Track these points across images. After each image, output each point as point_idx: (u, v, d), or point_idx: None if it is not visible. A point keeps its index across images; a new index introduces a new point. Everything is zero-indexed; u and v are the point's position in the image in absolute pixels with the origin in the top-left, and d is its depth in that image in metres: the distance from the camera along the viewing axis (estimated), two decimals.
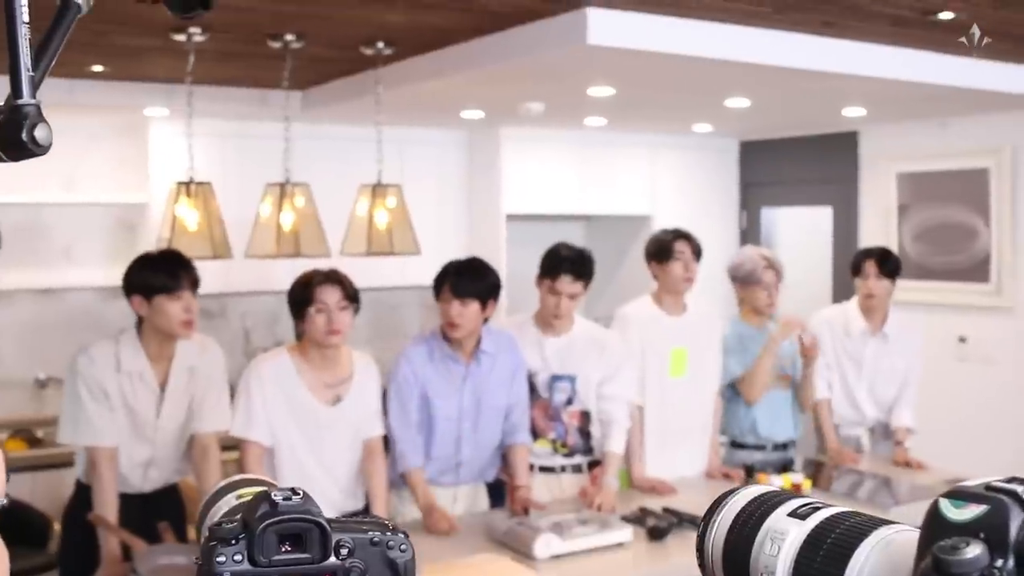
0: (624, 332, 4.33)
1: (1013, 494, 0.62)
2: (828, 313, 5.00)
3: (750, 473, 3.98)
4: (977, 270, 5.72)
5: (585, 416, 4.16)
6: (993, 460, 5.19)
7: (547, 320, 4.11)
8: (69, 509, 3.67)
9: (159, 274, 3.46)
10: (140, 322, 3.53)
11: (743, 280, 4.57)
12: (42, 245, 5.34)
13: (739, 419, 4.61)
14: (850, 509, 0.76)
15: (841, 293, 6.00)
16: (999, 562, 0.60)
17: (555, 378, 4.09)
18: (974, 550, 0.60)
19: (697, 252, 4.36)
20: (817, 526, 0.74)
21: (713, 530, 0.81)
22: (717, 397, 4.53)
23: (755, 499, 0.81)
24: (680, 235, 4.36)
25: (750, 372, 4.50)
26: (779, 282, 4.55)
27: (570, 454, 4.14)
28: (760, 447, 4.60)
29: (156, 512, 3.52)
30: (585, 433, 4.17)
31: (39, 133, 0.77)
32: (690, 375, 4.40)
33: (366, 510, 3.74)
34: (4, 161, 0.79)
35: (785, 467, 4.37)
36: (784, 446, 4.64)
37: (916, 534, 0.66)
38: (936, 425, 5.27)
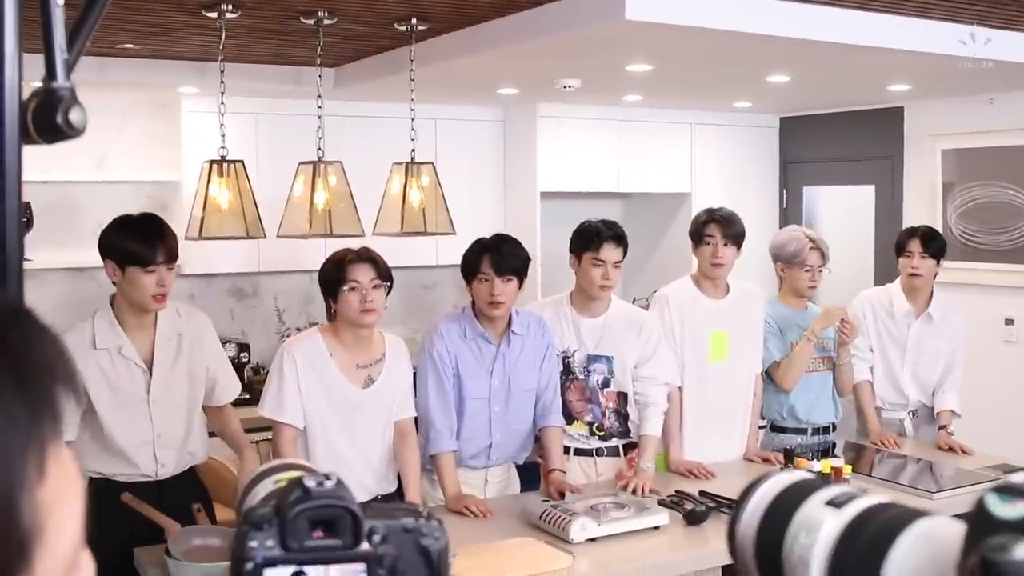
0: (663, 313, 4.26)
1: None
2: (870, 294, 4.90)
3: (789, 457, 3.90)
4: None
5: (622, 397, 4.10)
6: None
7: (586, 299, 4.05)
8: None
9: (134, 241, 3.34)
10: (114, 296, 3.46)
11: (787, 261, 4.48)
12: (74, 224, 5.33)
13: (779, 402, 4.53)
14: (887, 499, 0.74)
15: (883, 274, 5.90)
16: None
17: (592, 359, 4.04)
18: None
19: (733, 236, 4.25)
20: (855, 516, 0.72)
21: (745, 517, 0.79)
22: (758, 379, 4.45)
23: (789, 487, 0.78)
24: (714, 218, 4.27)
25: (787, 361, 4.41)
26: (824, 264, 4.46)
27: (606, 437, 4.08)
28: (800, 431, 4.52)
29: (173, 500, 3.44)
30: (622, 415, 4.11)
31: (74, 116, 0.77)
32: (731, 359, 4.32)
33: (399, 493, 3.70)
34: (39, 143, 0.79)
35: (825, 451, 4.29)
36: (825, 430, 4.55)
37: (959, 528, 0.63)
38: (981, 408, 5.17)
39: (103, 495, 3.39)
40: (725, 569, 3.34)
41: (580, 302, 4.07)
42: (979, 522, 0.61)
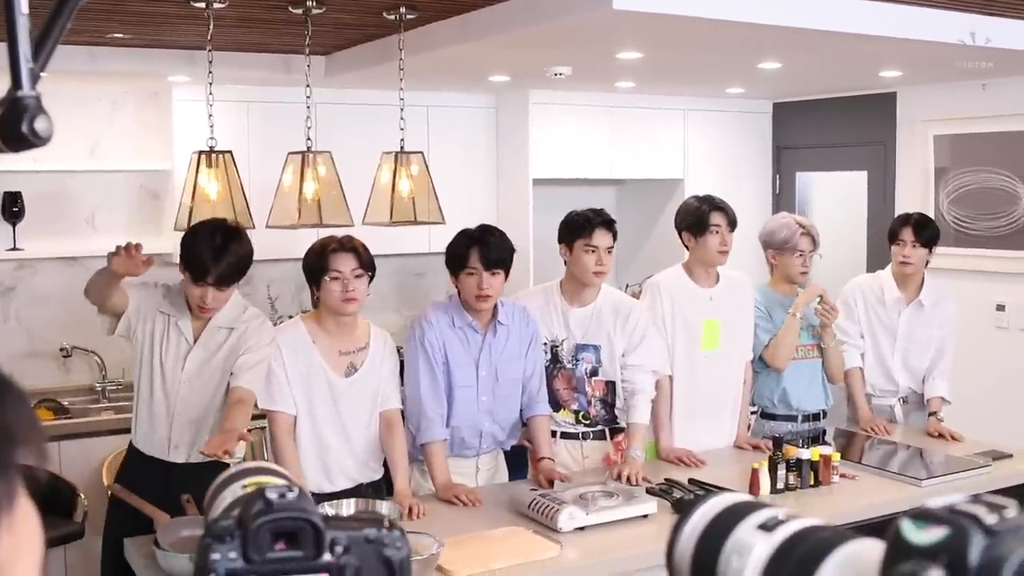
0: (654, 301, 4.26)
1: (974, 518, 0.60)
2: (861, 281, 4.91)
3: (779, 445, 3.91)
4: (1017, 236, 5.59)
5: (610, 386, 4.11)
6: None
7: (577, 288, 4.05)
8: None
9: (192, 258, 3.46)
10: None
11: (778, 247, 4.48)
12: (66, 213, 5.33)
13: (769, 389, 4.54)
14: (818, 522, 0.75)
15: (876, 260, 5.90)
16: None
17: (579, 348, 4.05)
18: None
19: (733, 223, 4.26)
20: (784, 540, 0.73)
21: (682, 540, 0.80)
22: (748, 367, 4.46)
23: (724, 510, 0.79)
24: (716, 206, 4.26)
25: (775, 339, 4.42)
26: (814, 250, 4.46)
27: (592, 424, 4.10)
28: (791, 418, 4.53)
29: (180, 486, 3.46)
30: (609, 404, 4.13)
31: (39, 125, 0.77)
32: (722, 347, 4.33)
33: (386, 481, 3.72)
34: (5, 152, 0.78)
35: (816, 438, 4.30)
36: (815, 416, 4.57)
37: (882, 550, 0.64)
38: (972, 395, 5.18)
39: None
40: None
41: (570, 291, 4.07)
42: (894, 547, 0.62)
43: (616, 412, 4.15)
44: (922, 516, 0.62)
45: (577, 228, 4.01)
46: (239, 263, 3.48)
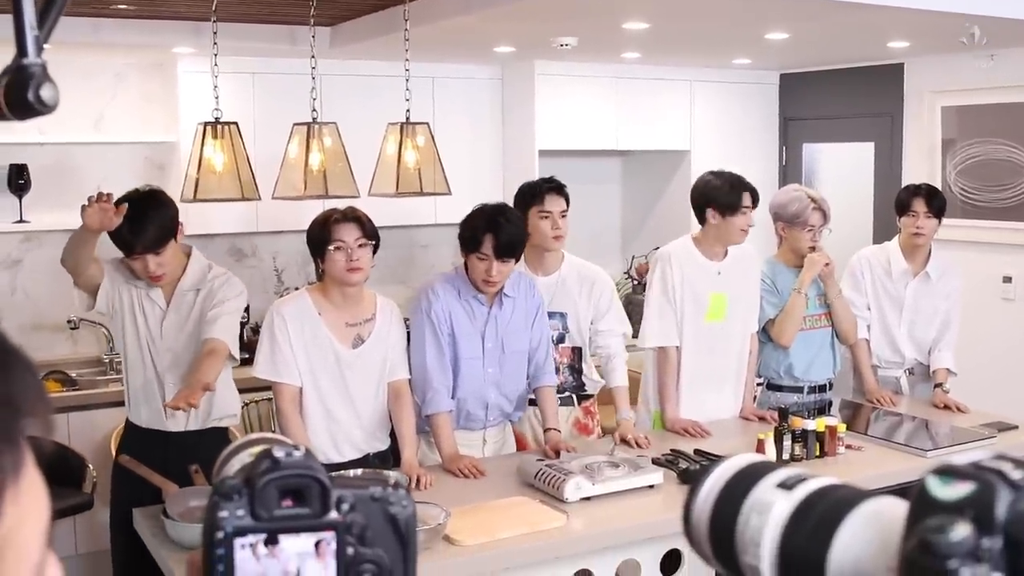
0: (664, 271, 4.26)
1: (1000, 473, 0.61)
2: (868, 252, 4.89)
3: (784, 416, 3.91)
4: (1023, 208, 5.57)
5: (576, 352, 4.19)
6: None
7: (539, 254, 4.10)
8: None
9: (115, 235, 3.48)
10: None
11: (788, 220, 4.46)
12: (72, 185, 5.32)
13: (776, 360, 4.54)
14: (837, 481, 0.75)
15: (882, 232, 5.88)
16: (986, 542, 0.59)
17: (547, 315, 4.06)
18: (961, 530, 0.59)
19: (756, 203, 4.27)
20: (805, 498, 0.73)
21: (700, 500, 0.80)
22: (753, 338, 4.45)
23: (742, 469, 0.79)
24: (747, 187, 4.23)
25: (781, 316, 4.41)
26: (825, 224, 4.44)
27: (559, 391, 4.10)
28: (797, 389, 4.53)
29: (181, 457, 3.46)
30: (576, 370, 4.21)
31: (45, 92, 0.77)
32: (727, 319, 4.33)
33: (392, 453, 3.73)
34: (10, 120, 0.78)
35: (821, 410, 4.30)
36: (821, 388, 4.56)
37: (904, 507, 0.65)
38: (978, 366, 5.18)
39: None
40: None
41: (533, 260, 4.11)
42: (920, 503, 0.62)
43: (584, 379, 4.22)
44: (948, 472, 0.62)
45: (529, 196, 4.10)
46: (162, 225, 3.50)
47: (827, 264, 4.42)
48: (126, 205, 3.43)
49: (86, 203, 3.38)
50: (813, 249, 4.45)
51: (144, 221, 3.46)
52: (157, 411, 3.65)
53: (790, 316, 4.41)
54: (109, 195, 3.40)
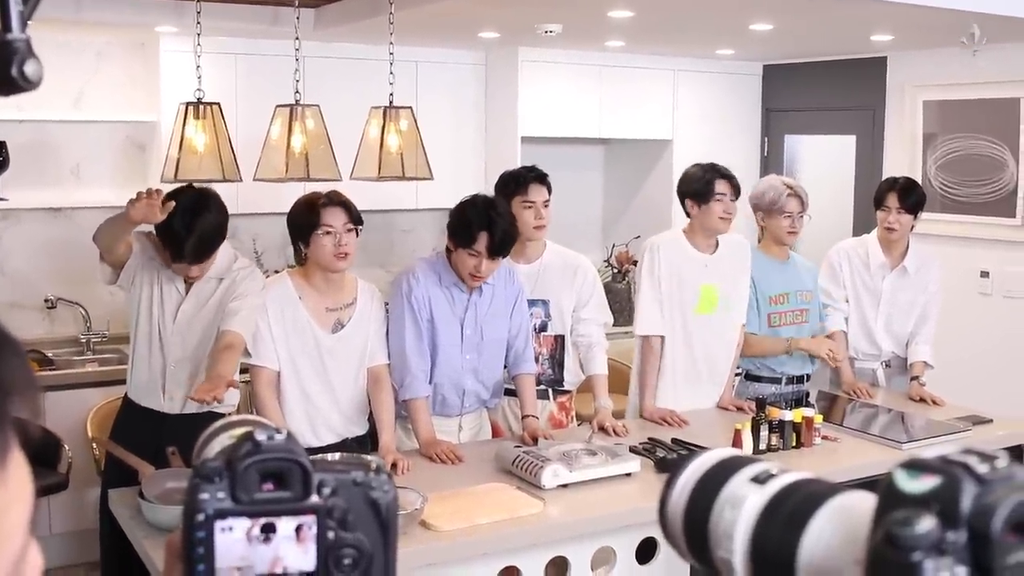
0: (653, 262, 4.26)
1: (966, 467, 0.62)
2: (847, 245, 4.92)
3: (762, 406, 3.93)
4: (1003, 203, 5.60)
5: (559, 341, 4.17)
6: (1013, 396, 5.13)
7: (521, 242, 4.02)
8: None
9: (167, 238, 3.48)
10: None
11: (766, 209, 4.48)
12: (51, 164, 5.28)
13: None
14: (809, 475, 0.76)
15: (862, 224, 5.90)
16: (950, 536, 0.60)
17: (528, 303, 4.05)
18: (926, 523, 0.60)
19: (737, 191, 4.27)
20: (777, 492, 0.74)
21: (675, 493, 0.81)
22: (741, 330, 4.46)
23: (717, 464, 0.80)
24: (721, 174, 4.25)
25: (757, 340, 4.47)
26: (803, 211, 4.46)
27: (536, 383, 4.06)
28: (775, 380, 4.55)
29: (174, 437, 3.45)
30: (557, 362, 4.18)
31: (29, 68, 0.75)
32: (718, 312, 4.34)
33: (370, 437, 3.72)
34: None
35: (799, 401, 4.32)
36: (799, 379, 4.59)
37: (874, 501, 0.65)
38: (955, 360, 5.20)
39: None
40: None
41: (515, 248, 4.05)
42: (887, 496, 0.63)
43: (564, 373, 4.19)
44: (915, 466, 0.63)
45: (512, 185, 4.06)
46: (212, 239, 3.51)
47: (836, 359, 4.51)
48: (173, 203, 3.42)
49: (133, 197, 3.39)
50: (792, 235, 4.47)
51: (193, 231, 3.44)
52: (157, 391, 3.64)
53: (763, 349, 4.49)
54: (158, 191, 3.40)
